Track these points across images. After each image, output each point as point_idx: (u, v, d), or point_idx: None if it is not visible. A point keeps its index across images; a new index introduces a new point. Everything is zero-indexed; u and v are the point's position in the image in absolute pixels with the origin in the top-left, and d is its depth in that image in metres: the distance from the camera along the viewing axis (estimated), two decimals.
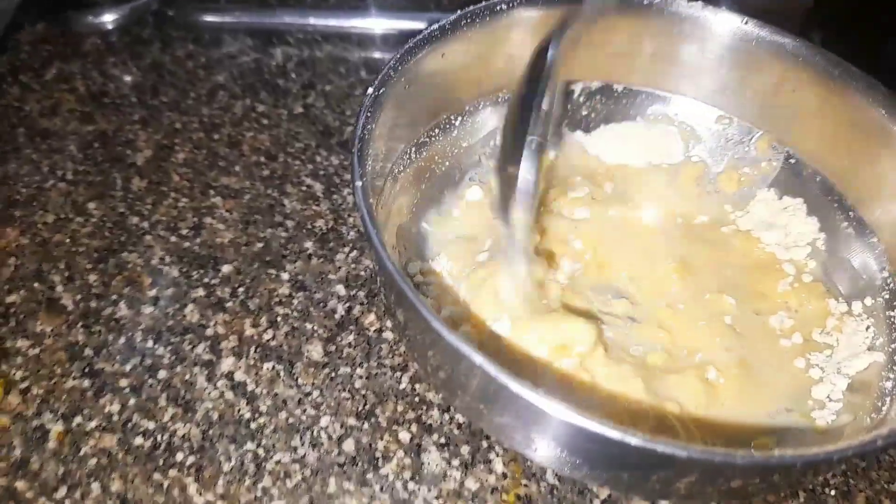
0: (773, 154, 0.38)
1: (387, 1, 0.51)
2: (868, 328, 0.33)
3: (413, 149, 0.35)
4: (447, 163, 0.37)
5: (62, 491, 0.29)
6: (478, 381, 0.25)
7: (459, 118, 0.37)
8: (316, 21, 0.49)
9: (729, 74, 0.37)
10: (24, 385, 0.32)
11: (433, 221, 0.36)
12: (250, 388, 0.33)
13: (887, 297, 0.33)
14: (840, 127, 0.34)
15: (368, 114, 0.29)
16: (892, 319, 0.32)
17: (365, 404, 0.32)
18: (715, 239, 0.37)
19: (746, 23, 0.36)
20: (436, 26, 0.33)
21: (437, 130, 0.36)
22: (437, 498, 0.30)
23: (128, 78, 0.46)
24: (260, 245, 0.38)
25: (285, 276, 0.37)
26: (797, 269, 0.36)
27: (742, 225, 0.38)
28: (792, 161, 0.38)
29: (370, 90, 0.30)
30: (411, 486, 0.30)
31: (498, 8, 0.34)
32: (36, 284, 0.35)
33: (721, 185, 0.40)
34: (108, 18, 0.48)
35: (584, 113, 0.40)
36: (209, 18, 0.49)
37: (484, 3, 0.34)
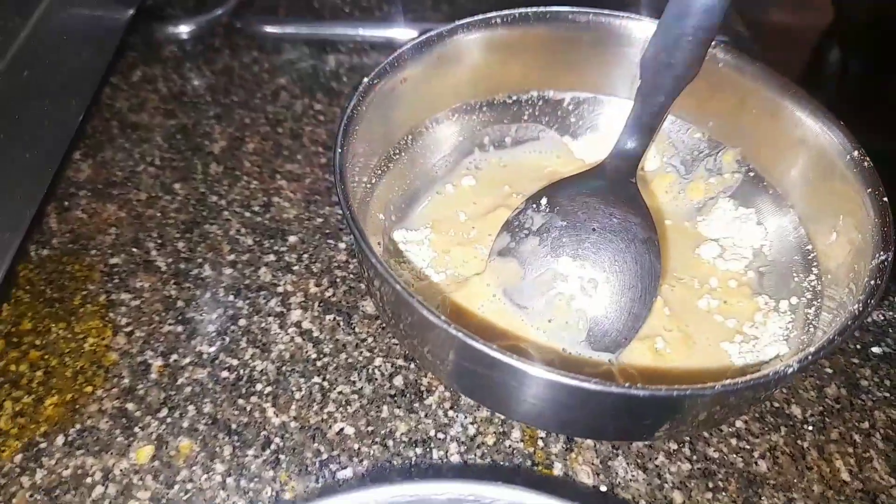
0: (736, 167, 0.43)
1: (424, 14, 0.58)
2: (788, 322, 0.37)
3: (410, 137, 0.42)
4: (442, 154, 0.44)
5: (164, 411, 0.35)
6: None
7: (457, 114, 0.44)
8: (364, 32, 0.56)
9: (701, 94, 0.41)
10: (128, 329, 0.39)
11: (426, 204, 0.42)
12: (315, 334, 0.39)
13: (809, 297, 0.37)
14: (791, 145, 0.39)
15: (360, 98, 0.36)
16: (808, 315, 0.36)
17: None
18: (673, 241, 0.42)
19: (714, 46, 0.40)
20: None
21: (433, 124, 0.43)
22: (472, 423, 0.36)
23: (202, 80, 0.53)
24: (320, 220, 0.44)
25: (342, 245, 0.43)
26: (732, 277, 0.40)
27: (702, 230, 0.43)
28: (751, 174, 0.42)
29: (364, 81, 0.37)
30: (451, 413, 0.36)
31: (446, 32, 0.40)
32: (134, 249, 0.42)
33: (689, 193, 0.44)
34: (184, 29, 0.56)
35: (573, 120, 0.46)
36: (271, 29, 0.56)
37: (443, 27, 0.40)
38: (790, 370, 0.27)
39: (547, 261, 0.37)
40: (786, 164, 0.40)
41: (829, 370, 0.39)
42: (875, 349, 0.41)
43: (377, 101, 0.37)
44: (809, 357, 0.27)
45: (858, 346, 0.41)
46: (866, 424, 0.37)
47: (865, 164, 0.35)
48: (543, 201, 0.38)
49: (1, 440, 0.34)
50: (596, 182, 0.38)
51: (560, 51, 0.43)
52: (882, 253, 0.31)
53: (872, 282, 0.30)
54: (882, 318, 0.42)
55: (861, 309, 0.29)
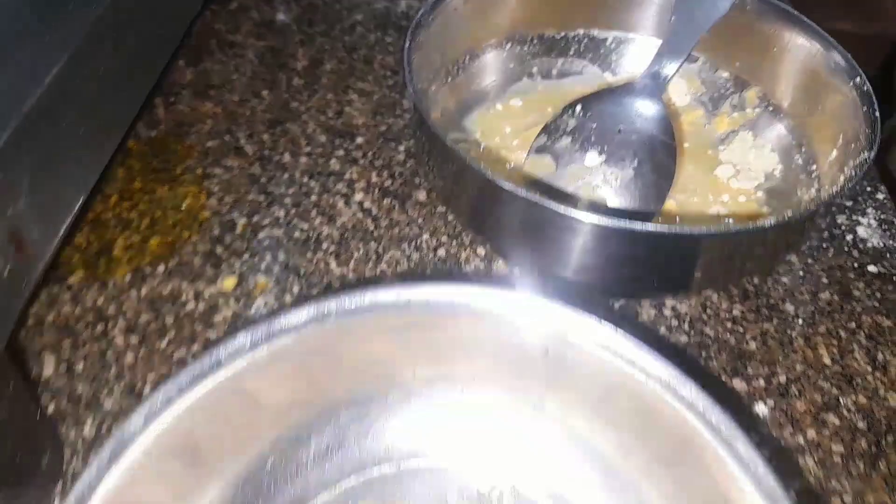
0: (758, 103, 0.48)
1: None
2: None
3: (468, 57, 0.48)
4: (494, 77, 0.50)
5: (246, 256, 0.43)
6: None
7: (510, 42, 0.49)
8: None
9: (728, 37, 0.46)
10: (219, 195, 0.46)
11: (476, 116, 0.48)
12: (374, 212, 0.45)
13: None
14: (805, 79, 0.44)
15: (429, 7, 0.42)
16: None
17: (455, 229, 0.45)
18: (693, 164, 0.47)
19: None
20: None
21: (489, 49, 0.49)
22: None
23: (289, 13, 0.61)
24: (384, 128, 0.51)
25: (401, 148, 0.50)
26: (743, 193, 0.45)
27: (721, 157, 0.47)
28: (770, 109, 0.47)
29: None
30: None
31: None
32: (227, 137, 0.49)
33: (714, 125, 0.49)
34: None
35: (614, 58, 0.51)
36: None
37: None
38: (768, 223, 0.32)
39: (577, 155, 0.42)
40: (799, 96, 0.45)
41: (826, 280, 0.44)
42: (871, 268, 0.45)
43: (442, 18, 0.44)
44: (787, 217, 0.33)
45: (856, 265, 0.45)
46: (853, 325, 0.42)
47: (865, 88, 0.40)
48: (578, 108, 0.44)
49: (115, 264, 0.41)
50: (626, 94, 0.44)
51: None
52: (865, 152, 0.36)
53: (852, 172, 0.35)
54: (882, 244, 0.47)
55: (839, 189, 0.34)
